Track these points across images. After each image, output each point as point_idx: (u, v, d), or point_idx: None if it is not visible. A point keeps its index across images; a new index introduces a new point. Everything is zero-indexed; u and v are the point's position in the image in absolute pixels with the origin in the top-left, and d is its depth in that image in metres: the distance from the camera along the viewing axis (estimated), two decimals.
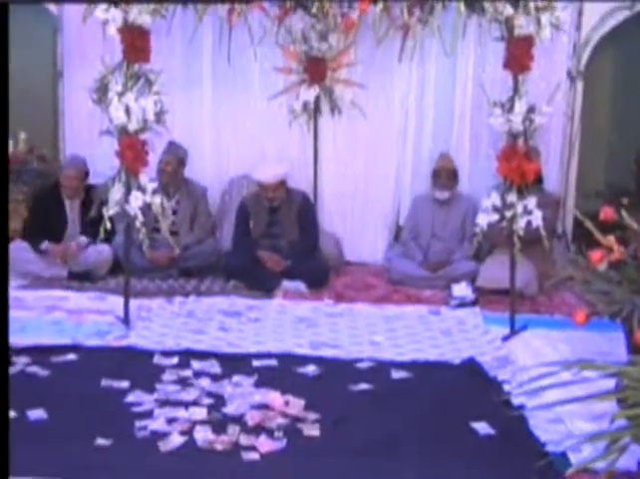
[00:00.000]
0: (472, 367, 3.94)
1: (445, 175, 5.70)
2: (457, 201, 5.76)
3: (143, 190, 4.32)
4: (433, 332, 4.57)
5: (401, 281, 5.52)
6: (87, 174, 5.68)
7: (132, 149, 4.25)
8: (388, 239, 6.20)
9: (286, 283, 5.34)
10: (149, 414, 3.34)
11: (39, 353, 3.97)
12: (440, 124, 6.06)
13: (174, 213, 5.74)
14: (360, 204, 6.20)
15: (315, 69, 5.88)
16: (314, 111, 5.99)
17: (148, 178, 4.42)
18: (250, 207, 5.66)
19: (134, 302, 4.69)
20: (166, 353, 4.06)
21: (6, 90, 2.88)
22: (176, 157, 5.70)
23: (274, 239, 5.60)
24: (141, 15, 4.18)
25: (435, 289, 5.37)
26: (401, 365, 3.96)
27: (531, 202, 4.28)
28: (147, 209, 4.40)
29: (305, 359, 4.01)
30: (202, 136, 6.17)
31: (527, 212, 4.28)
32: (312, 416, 3.34)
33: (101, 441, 3.08)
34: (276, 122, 6.05)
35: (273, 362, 3.98)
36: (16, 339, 3.97)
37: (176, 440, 3.12)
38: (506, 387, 3.68)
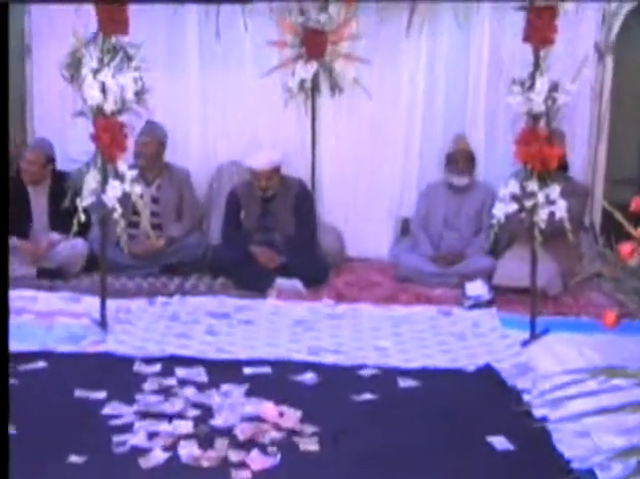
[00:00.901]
0: (488, 375, 3.94)
1: (462, 158, 5.70)
2: (474, 188, 5.76)
3: (121, 178, 4.31)
4: (444, 336, 4.57)
5: (409, 279, 5.52)
6: (51, 159, 5.67)
7: (108, 132, 4.23)
8: (394, 231, 6.20)
9: (281, 282, 5.33)
10: (128, 428, 3.33)
11: None
12: (452, 104, 6.04)
13: (155, 201, 5.73)
14: (363, 193, 6.20)
15: (313, 42, 5.86)
16: (312, 89, 5.97)
17: (127, 164, 4.41)
18: (241, 196, 5.65)
19: (111, 303, 4.68)
20: (148, 360, 4.06)
21: (6, 89, 2.94)
22: (156, 138, 5.69)
23: (268, 233, 5.59)
24: None
25: (446, 288, 5.36)
26: (408, 373, 3.96)
27: (554, 190, 4.26)
28: (124, 198, 4.38)
29: (302, 366, 4.01)
30: (187, 117, 6.16)
31: (550, 201, 4.27)
32: (310, 429, 3.33)
33: (74, 458, 3.08)
34: (270, 102, 6.03)
35: (266, 369, 3.98)
36: None
37: (159, 456, 3.11)
38: (527, 397, 3.67)
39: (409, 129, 6.09)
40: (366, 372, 3.99)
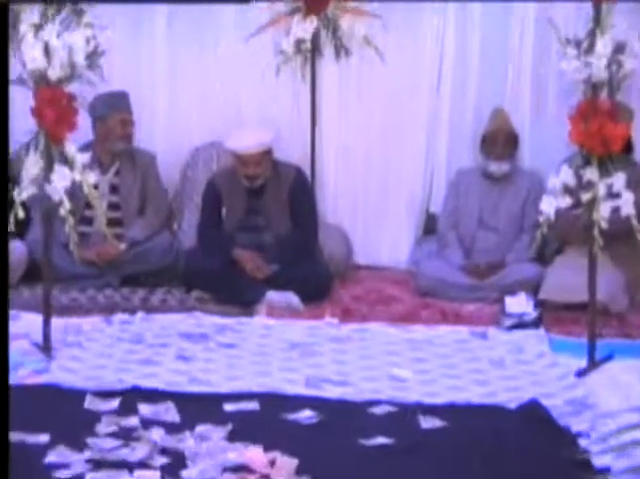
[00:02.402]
0: (534, 413, 3.92)
1: (502, 140, 5.70)
2: (516, 177, 5.78)
3: (70, 163, 4.30)
4: (478, 364, 4.57)
5: (433, 292, 5.54)
6: None
7: (53, 105, 4.24)
8: (415, 233, 6.22)
9: (272, 295, 5.33)
10: None
11: None
12: (488, 71, 6.08)
13: (114, 190, 5.73)
14: (376, 184, 6.23)
15: None
16: (312, 52, 5.99)
17: (76, 145, 4.40)
18: (222, 187, 5.67)
19: (57, 322, 4.70)
20: (103, 394, 4.04)
21: (6, 90, 2.99)
22: (129, 113, 5.72)
23: (256, 233, 5.62)
24: None
25: (481, 303, 5.38)
26: (433, 410, 3.95)
27: (619, 180, 4.25)
28: (74, 189, 4.37)
29: (298, 401, 4.00)
30: (153, 87, 6.21)
31: (613, 194, 4.26)
32: None
33: None
34: (258, 68, 6.06)
35: (254, 406, 3.97)
36: None
37: None
38: (584, 442, 3.65)
39: (434, 101, 6.12)
40: (379, 409, 3.97)
